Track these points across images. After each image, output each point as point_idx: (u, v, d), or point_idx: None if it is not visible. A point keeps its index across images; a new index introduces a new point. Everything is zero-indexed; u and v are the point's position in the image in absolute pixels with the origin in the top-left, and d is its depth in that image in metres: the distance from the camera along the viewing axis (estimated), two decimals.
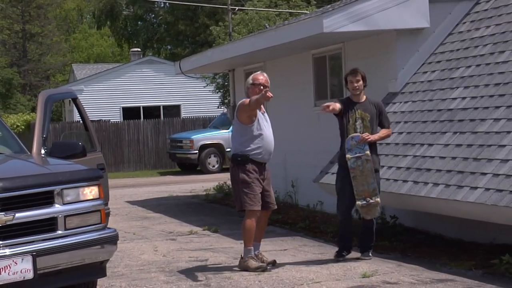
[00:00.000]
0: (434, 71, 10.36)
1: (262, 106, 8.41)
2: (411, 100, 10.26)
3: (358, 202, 8.23)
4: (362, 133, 8.30)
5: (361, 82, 8.47)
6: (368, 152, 8.24)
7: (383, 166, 9.50)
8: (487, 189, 7.53)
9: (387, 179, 9.20)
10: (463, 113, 9.03)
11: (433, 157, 8.83)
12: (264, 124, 8.28)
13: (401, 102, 10.45)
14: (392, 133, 10.02)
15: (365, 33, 10.84)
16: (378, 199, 8.24)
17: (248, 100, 8.18)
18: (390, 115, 10.54)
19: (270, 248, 9.48)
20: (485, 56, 9.64)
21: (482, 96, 8.99)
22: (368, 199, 8.21)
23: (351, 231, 8.52)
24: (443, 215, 8.75)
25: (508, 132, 8.01)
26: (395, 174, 9.20)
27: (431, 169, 8.65)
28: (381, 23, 10.36)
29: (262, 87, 8.17)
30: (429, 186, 8.43)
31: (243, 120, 8.26)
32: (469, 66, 9.74)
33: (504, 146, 7.87)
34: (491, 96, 8.83)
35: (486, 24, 10.21)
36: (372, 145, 8.39)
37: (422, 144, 9.24)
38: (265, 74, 8.42)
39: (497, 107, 8.55)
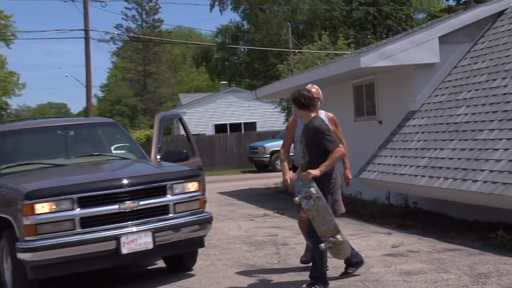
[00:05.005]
0: (444, 94, 10.15)
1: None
2: (426, 116, 10.07)
3: (322, 245, 5.60)
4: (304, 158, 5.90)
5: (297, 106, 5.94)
6: (312, 189, 5.55)
7: (406, 165, 9.36)
8: (485, 182, 7.34)
9: (410, 175, 9.04)
10: (466, 125, 8.82)
11: (443, 158, 8.65)
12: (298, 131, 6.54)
13: (419, 118, 10.27)
14: (412, 141, 9.90)
15: (391, 68, 10.69)
16: (341, 238, 5.70)
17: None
18: (410, 128, 10.35)
19: None
20: (481, 83, 9.39)
21: (480, 113, 8.77)
22: (332, 238, 5.66)
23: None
24: (451, 201, 8.56)
25: (500, 139, 7.80)
26: (415, 171, 9.03)
27: (442, 167, 8.47)
28: (403, 60, 10.21)
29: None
30: (441, 180, 8.25)
31: None
32: (470, 91, 9.50)
33: (497, 149, 7.67)
34: (487, 112, 8.60)
35: (482, 59, 9.95)
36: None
37: (435, 149, 9.05)
38: (316, 87, 6.78)
39: (491, 121, 8.33)
